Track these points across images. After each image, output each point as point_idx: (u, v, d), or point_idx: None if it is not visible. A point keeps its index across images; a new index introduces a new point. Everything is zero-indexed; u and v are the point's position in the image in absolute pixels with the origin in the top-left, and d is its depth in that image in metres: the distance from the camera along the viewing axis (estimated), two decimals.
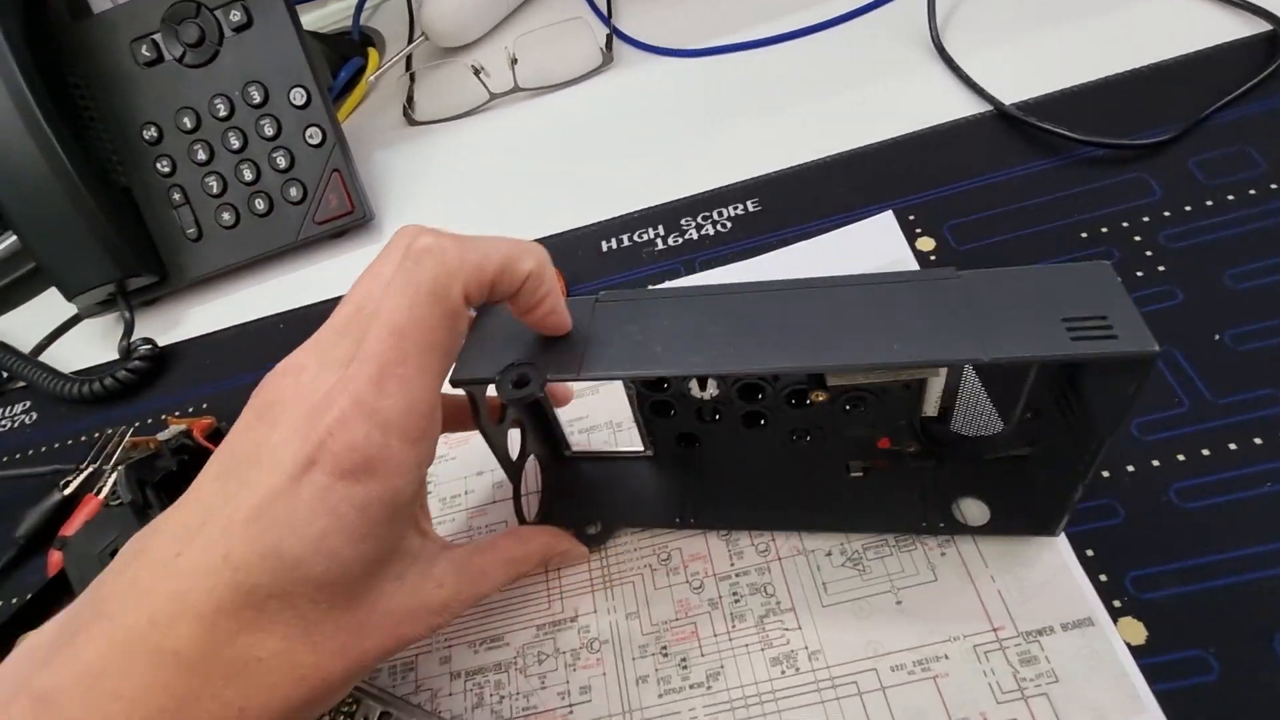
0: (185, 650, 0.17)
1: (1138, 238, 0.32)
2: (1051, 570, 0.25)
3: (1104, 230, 0.32)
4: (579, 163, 0.43)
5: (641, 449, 0.30)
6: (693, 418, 0.28)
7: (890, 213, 0.35)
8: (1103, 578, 0.24)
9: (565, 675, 0.26)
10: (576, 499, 0.30)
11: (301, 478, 0.18)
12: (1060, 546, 0.25)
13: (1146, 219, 0.32)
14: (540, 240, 0.40)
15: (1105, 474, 0.26)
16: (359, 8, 0.57)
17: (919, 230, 0.34)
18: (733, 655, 0.26)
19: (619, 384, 0.31)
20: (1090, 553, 0.25)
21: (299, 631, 0.18)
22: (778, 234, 0.36)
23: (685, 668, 0.26)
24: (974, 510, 0.26)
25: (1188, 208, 0.32)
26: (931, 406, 0.25)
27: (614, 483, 0.30)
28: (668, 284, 0.37)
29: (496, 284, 0.21)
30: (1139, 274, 0.31)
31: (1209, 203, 0.32)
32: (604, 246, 0.39)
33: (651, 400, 0.27)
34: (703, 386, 0.26)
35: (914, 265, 0.33)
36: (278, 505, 0.18)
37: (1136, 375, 0.19)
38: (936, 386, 0.25)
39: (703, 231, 0.38)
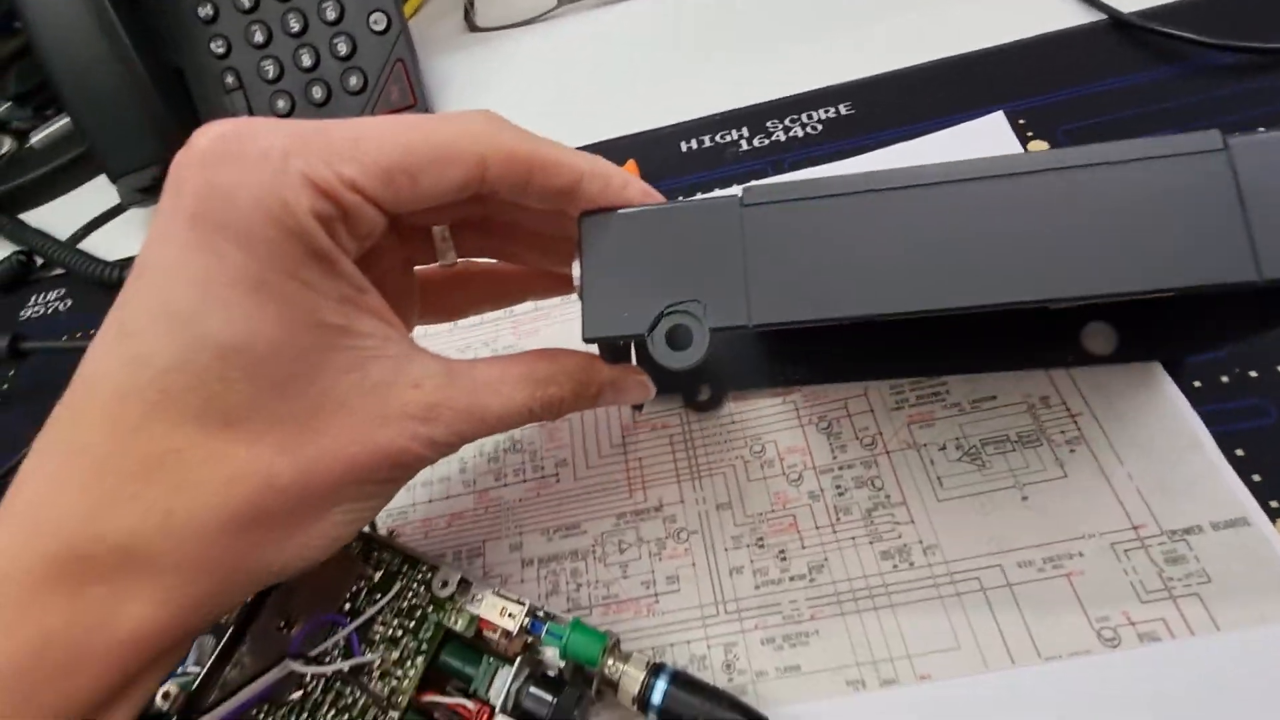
0: (93, 445, 0.15)
1: None
2: (1198, 468, 0.22)
3: None
4: (653, 71, 0.41)
5: None
6: None
7: (1001, 113, 0.33)
8: (1255, 478, 0.22)
9: (650, 565, 0.24)
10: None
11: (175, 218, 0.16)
12: (1205, 443, 0.23)
13: None
14: (612, 141, 0.38)
15: (1253, 373, 0.24)
16: None
17: (1030, 134, 0.32)
18: (838, 548, 0.23)
19: None
20: (1240, 452, 0.23)
21: (217, 418, 0.16)
22: (874, 136, 0.34)
23: (784, 559, 0.24)
24: (1099, 340, 0.24)
25: None
26: None
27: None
28: (813, 171, 0.33)
29: (461, 184, 0.17)
30: None
31: None
32: (684, 147, 0.37)
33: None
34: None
35: None
36: (156, 251, 0.16)
37: None
38: None
39: (791, 134, 0.35)
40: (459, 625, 0.21)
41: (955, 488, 0.24)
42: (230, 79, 0.40)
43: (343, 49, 0.40)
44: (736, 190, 0.18)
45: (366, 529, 0.25)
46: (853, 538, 0.24)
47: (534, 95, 0.43)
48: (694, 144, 0.37)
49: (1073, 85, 0.33)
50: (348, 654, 0.21)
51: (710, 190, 0.34)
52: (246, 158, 0.16)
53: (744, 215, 0.17)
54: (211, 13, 0.40)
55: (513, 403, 0.19)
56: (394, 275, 0.23)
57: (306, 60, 0.40)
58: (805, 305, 0.17)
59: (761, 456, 0.26)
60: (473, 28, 0.47)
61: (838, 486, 0.25)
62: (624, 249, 0.18)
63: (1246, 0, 0.34)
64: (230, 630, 0.21)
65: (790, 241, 0.17)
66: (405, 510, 0.28)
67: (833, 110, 0.36)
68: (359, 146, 0.17)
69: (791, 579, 0.23)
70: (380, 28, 0.39)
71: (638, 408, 0.26)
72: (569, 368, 0.20)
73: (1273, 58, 0.31)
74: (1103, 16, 0.35)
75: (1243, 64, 0.32)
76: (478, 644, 0.21)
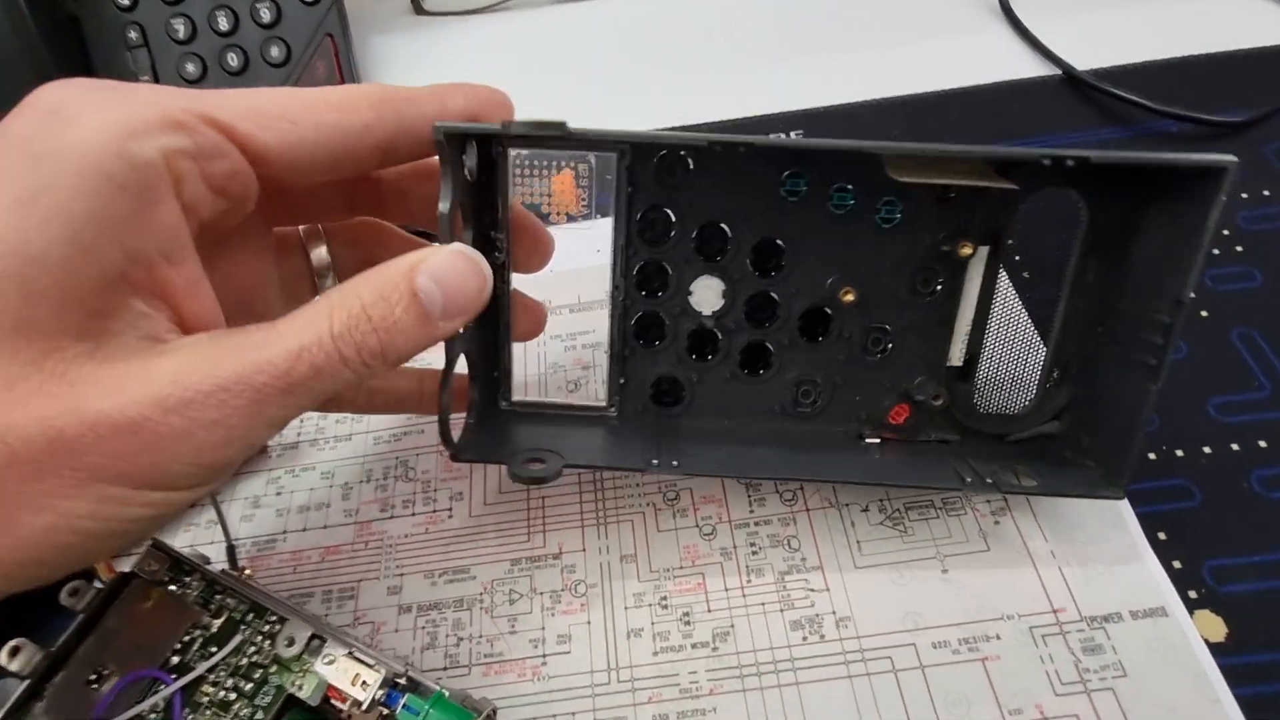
0: None
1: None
2: (1120, 550, 0.22)
3: None
4: (599, 75, 0.39)
5: (604, 402, 0.23)
6: (683, 351, 0.23)
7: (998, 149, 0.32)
8: (1177, 564, 0.21)
9: (541, 620, 0.22)
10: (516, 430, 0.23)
11: None
12: (1129, 525, 0.22)
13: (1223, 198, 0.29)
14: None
15: (1179, 452, 0.23)
16: None
17: None
18: (746, 614, 0.22)
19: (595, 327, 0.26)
20: (1163, 535, 0.22)
21: None
22: None
23: (688, 623, 0.22)
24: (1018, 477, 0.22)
25: (1266, 191, 0.29)
26: (959, 345, 0.22)
27: (567, 426, 0.24)
28: None
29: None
30: (1215, 251, 0.28)
31: None
32: None
33: (641, 315, 0.23)
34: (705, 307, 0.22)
35: None
36: None
37: (1205, 199, 0.18)
38: (967, 312, 0.22)
39: None
40: (304, 691, 0.18)
41: (874, 554, 0.22)
42: (133, 34, 0.36)
43: (266, 15, 0.36)
44: None
45: (222, 564, 0.22)
46: (763, 603, 0.22)
47: (477, 79, 0.40)
48: None
49: (1020, 137, 0.33)
50: None
51: None
52: (103, 89, 0.15)
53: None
54: None
55: (302, 339, 0.15)
56: (252, 271, 0.20)
57: (224, 23, 0.36)
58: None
59: (675, 504, 0.24)
60: (419, 10, 0.44)
61: (752, 544, 0.23)
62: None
63: (1200, 70, 0.34)
64: (26, 683, 0.18)
65: None
66: (274, 538, 0.25)
67: (782, 136, 0.34)
68: (228, 95, 0.16)
69: (694, 646, 0.21)
70: None
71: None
72: (372, 287, 0.16)
73: (1216, 129, 0.31)
74: (1056, 71, 0.35)
75: (1188, 133, 0.32)
76: (325, 713, 0.18)
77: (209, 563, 0.21)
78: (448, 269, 0.17)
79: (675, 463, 0.20)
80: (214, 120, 0.15)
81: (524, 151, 0.22)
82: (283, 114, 0.16)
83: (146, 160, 0.15)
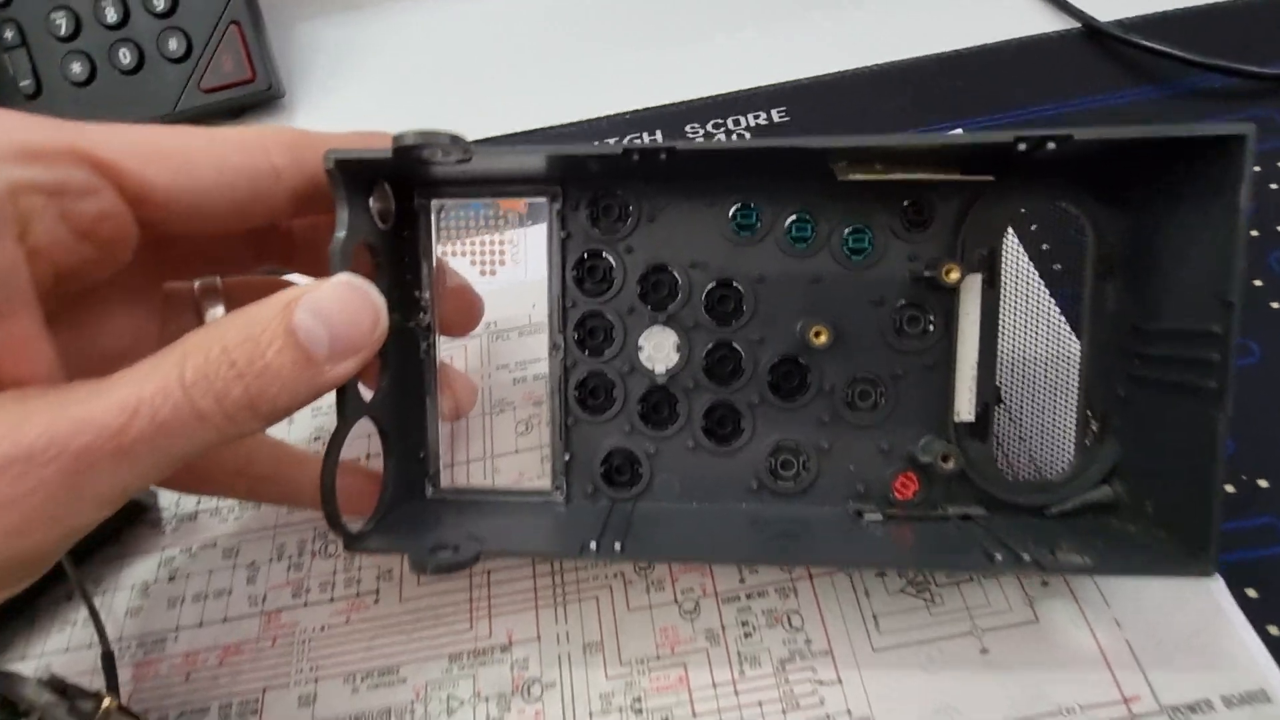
0: None
1: (1273, 185, 0.25)
2: (1203, 616, 0.17)
3: None
4: (553, 59, 0.34)
5: (547, 485, 0.19)
6: (636, 417, 0.19)
7: (961, 131, 0.27)
8: (1273, 629, 0.17)
9: None
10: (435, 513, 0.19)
11: None
12: (1211, 583, 0.18)
13: (1250, 170, 0.25)
14: (500, 138, 0.31)
15: (1262, 483, 0.19)
16: None
17: None
18: (739, 717, 0.17)
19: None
20: (1252, 593, 0.18)
21: None
22: None
23: None
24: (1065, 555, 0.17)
25: None
26: (966, 393, 0.18)
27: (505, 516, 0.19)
28: None
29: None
30: (1278, 228, 0.23)
31: None
32: None
33: (586, 377, 0.19)
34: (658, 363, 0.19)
35: None
36: None
37: (1227, 177, 0.14)
38: (969, 352, 0.18)
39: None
40: None
41: (896, 631, 0.18)
42: (9, 33, 0.31)
43: (160, 3, 0.31)
44: None
45: (92, 676, 0.18)
46: (760, 702, 0.17)
47: (413, 80, 0.35)
48: None
49: (1039, 103, 0.28)
50: None
51: None
52: None
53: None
54: None
55: (142, 389, 0.13)
56: (127, 331, 0.17)
57: (112, 14, 0.31)
58: None
59: (648, 574, 0.20)
60: None
61: (744, 624, 0.18)
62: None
63: (1239, 13, 0.29)
64: None
65: None
66: (165, 637, 0.20)
67: (763, 116, 0.30)
68: (116, 128, 0.14)
69: None
70: None
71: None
72: (236, 324, 0.14)
73: (1270, 84, 0.27)
74: (1075, 24, 0.30)
75: (1233, 89, 0.27)
76: None
77: (64, 692, 0.17)
78: (333, 301, 0.14)
79: (618, 545, 0.16)
80: (85, 153, 0.14)
81: (448, 202, 0.19)
82: (179, 151, 0.15)
83: None
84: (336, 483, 0.16)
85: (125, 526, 0.22)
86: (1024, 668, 0.17)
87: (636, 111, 0.31)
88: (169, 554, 0.22)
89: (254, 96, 0.32)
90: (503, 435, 0.22)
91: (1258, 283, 0.23)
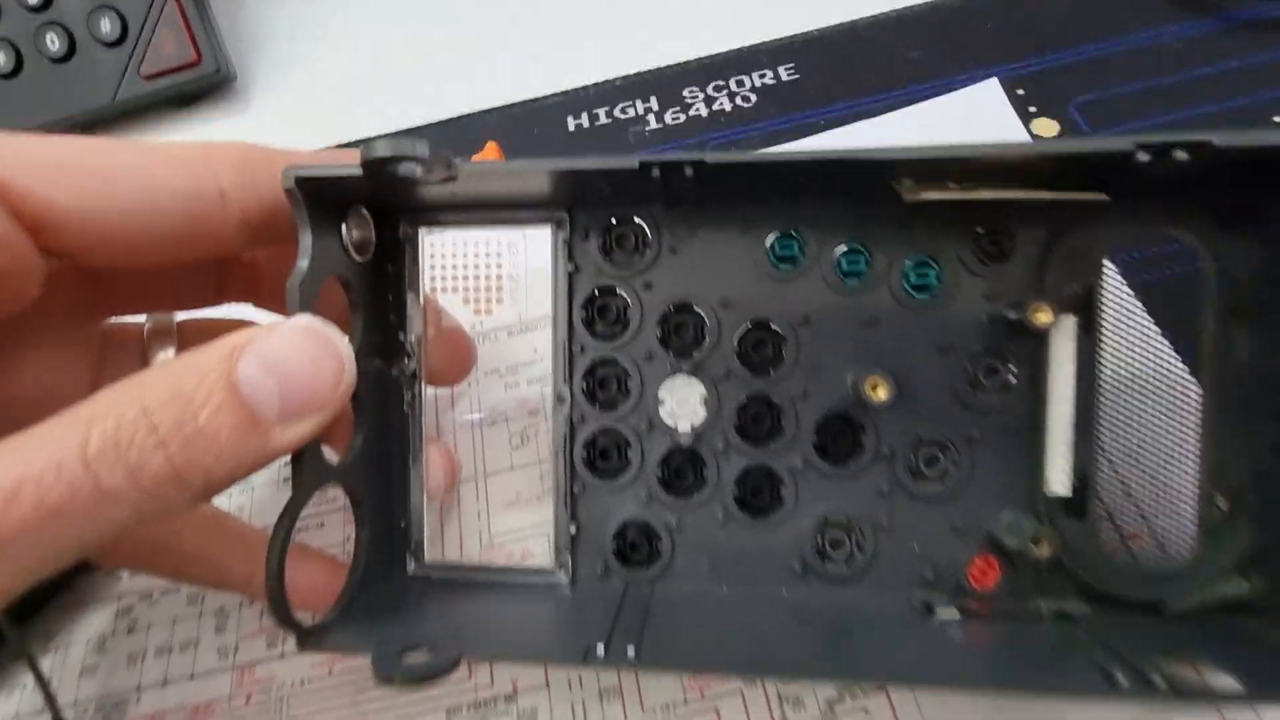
0: None
1: None
2: None
3: None
4: (535, 20, 0.31)
5: (549, 564, 0.16)
6: (655, 483, 0.16)
7: (996, 80, 0.24)
8: None
9: None
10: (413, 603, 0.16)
11: None
12: None
13: None
14: (476, 116, 0.28)
15: None
16: None
17: (1033, 109, 0.24)
18: None
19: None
20: None
21: None
22: (822, 112, 0.25)
23: None
24: (1204, 674, 0.13)
25: None
26: (1059, 462, 0.15)
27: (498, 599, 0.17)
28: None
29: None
30: None
31: None
32: (571, 123, 0.27)
33: (596, 435, 0.16)
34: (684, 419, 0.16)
35: None
36: None
37: None
38: (1062, 411, 0.15)
39: (716, 105, 0.26)
40: None
41: None
42: None
43: None
44: None
45: None
46: None
47: (383, 50, 0.32)
48: (585, 120, 0.27)
49: (1082, 43, 0.25)
50: None
51: None
52: None
53: None
54: None
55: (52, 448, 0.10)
56: (45, 378, 0.15)
57: None
58: None
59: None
60: None
61: None
62: None
63: None
64: None
65: None
66: (125, 699, 0.18)
67: (769, 75, 0.27)
68: (13, 141, 0.12)
69: None
70: None
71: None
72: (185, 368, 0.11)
73: None
74: None
75: None
76: None
77: None
78: (288, 350, 0.12)
79: (631, 650, 0.13)
80: None
81: (439, 230, 0.16)
82: (92, 168, 0.13)
83: None
84: (287, 571, 0.13)
85: (78, 572, 0.20)
86: None
87: (627, 77, 0.28)
88: (127, 602, 0.19)
89: (202, 81, 0.29)
90: (496, 451, 0.20)
91: None
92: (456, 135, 0.27)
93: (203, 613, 0.19)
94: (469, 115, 0.28)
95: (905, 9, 0.27)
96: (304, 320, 0.12)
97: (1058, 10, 0.26)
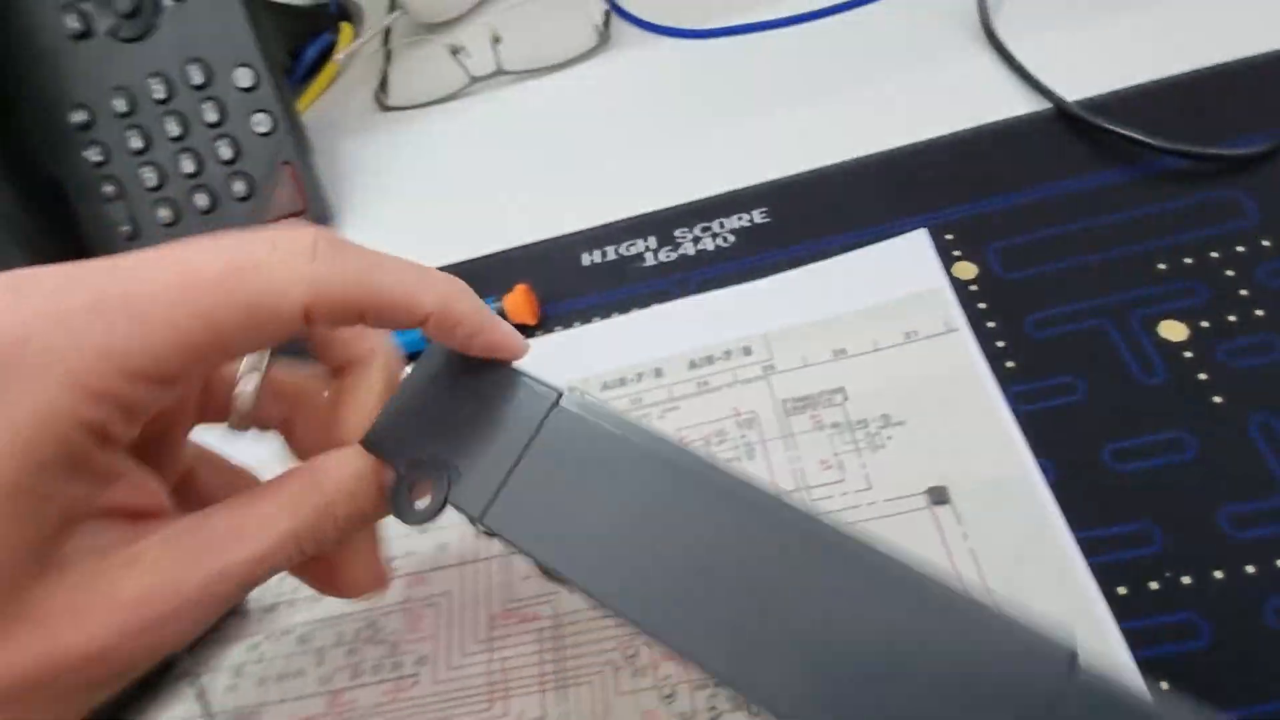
0: None
1: (1230, 272, 0.26)
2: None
3: (1188, 261, 0.26)
4: (565, 158, 0.38)
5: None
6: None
7: (924, 231, 0.29)
8: None
9: None
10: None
11: None
12: (1126, 671, 0.20)
13: (1241, 249, 0.26)
14: (512, 251, 0.35)
15: (1185, 579, 0.21)
16: None
17: (958, 253, 0.29)
18: None
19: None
20: (1165, 685, 0.19)
21: None
22: (788, 251, 0.31)
23: None
24: None
25: None
26: None
27: None
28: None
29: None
30: (1231, 318, 0.25)
31: None
32: (585, 260, 0.34)
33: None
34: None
35: (950, 295, 0.28)
36: None
37: None
38: None
39: (700, 245, 0.32)
40: None
41: None
42: (109, 188, 0.37)
43: (226, 153, 0.37)
44: (563, 387, 0.17)
45: None
46: None
47: (442, 183, 0.40)
48: (597, 256, 0.33)
49: (1009, 190, 0.30)
50: None
51: (609, 316, 0.31)
52: (20, 366, 0.14)
53: (549, 417, 0.16)
54: (86, 118, 0.37)
55: (265, 544, 0.15)
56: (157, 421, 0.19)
57: (189, 166, 0.37)
58: (536, 539, 0.15)
59: (634, 662, 0.23)
60: (384, 107, 0.44)
61: (712, 709, 0.22)
62: (438, 385, 0.18)
63: (1197, 94, 0.30)
64: None
65: (570, 468, 0.15)
66: (256, 711, 0.25)
67: (746, 218, 0.33)
68: (148, 328, 0.14)
69: None
70: (264, 129, 0.36)
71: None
72: (345, 476, 0.16)
73: (1224, 164, 0.28)
74: (1047, 105, 0.32)
75: (1196, 171, 0.28)
76: None
77: None
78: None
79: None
80: (142, 374, 0.14)
81: None
82: (213, 345, 0.15)
83: (71, 442, 0.14)
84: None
85: (225, 617, 0.27)
86: None
87: (631, 219, 0.34)
88: (255, 640, 0.27)
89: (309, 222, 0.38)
90: None
91: (1202, 375, 0.24)
92: (502, 266, 0.34)
93: (307, 650, 0.26)
94: (516, 248, 0.35)
95: (861, 157, 0.33)
96: None
97: (996, 160, 0.31)
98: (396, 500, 0.16)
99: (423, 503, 0.16)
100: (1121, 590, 0.21)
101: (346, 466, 0.16)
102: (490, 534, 0.15)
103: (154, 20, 0.36)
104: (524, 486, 0.15)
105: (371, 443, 0.17)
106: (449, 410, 0.17)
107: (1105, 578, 0.21)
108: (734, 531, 0.13)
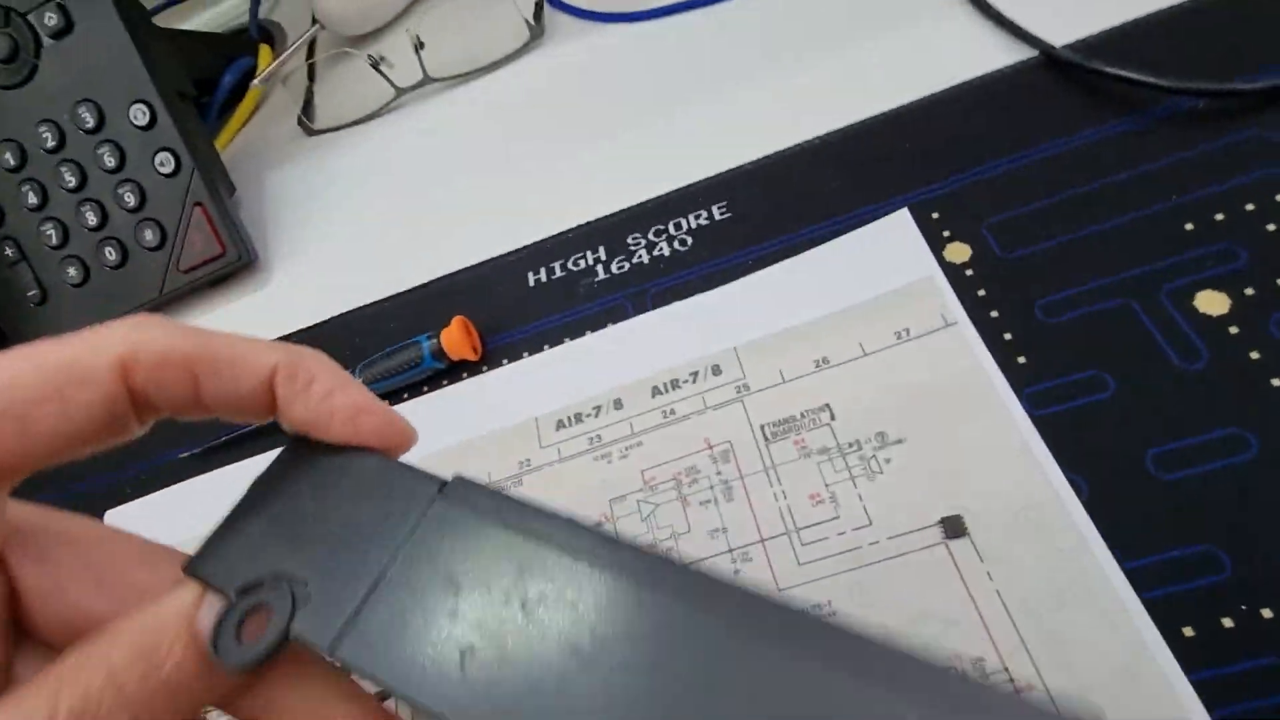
0: None
1: (1271, 226, 0.22)
2: None
3: (1219, 218, 0.22)
4: (502, 168, 0.34)
5: None
6: None
7: (906, 211, 0.25)
8: None
9: None
10: None
11: None
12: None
13: None
14: (453, 276, 0.31)
15: (1266, 612, 0.17)
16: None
17: (947, 233, 0.25)
18: None
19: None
20: None
21: None
22: (754, 251, 0.27)
23: None
24: None
25: None
26: None
27: None
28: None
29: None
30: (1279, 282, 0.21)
31: None
32: (531, 279, 0.30)
33: None
34: None
35: (943, 283, 0.24)
36: None
37: None
38: None
39: (656, 251, 0.29)
40: None
41: None
42: (9, 250, 0.34)
43: (130, 200, 0.33)
44: (447, 476, 0.13)
45: None
46: None
47: (375, 209, 0.36)
48: (543, 274, 0.30)
49: (1000, 155, 0.26)
50: None
51: (559, 342, 0.28)
52: None
53: (427, 516, 0.13)
54: None
55: None
56: None
57: (92, 218, 0.34)
58: (403, 672, 0.11)
59: None
60: (309, 131, 0.41)
61: None
62: (294, 486, 0.14)
63: (1208, 18, 0.26)
64: None
65: (448, 578, 0.12)
66: None
67: (704, 215, 0.29)
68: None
69: None
70: (169, 170, 0.33)
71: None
72: (122, 643, 0.12)
73: (1246, 100, 0.24)
74: (1032, 53, 0.28)
75: (1213, 110, 0.24)
76: None
77: None
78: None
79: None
80: None
81: None
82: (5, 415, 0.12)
83: None
84: None
85: None
86: None
87: (579, 228, 0.30)
88: None
89: (229, 267, 0.34)
90: None
91: (1254, 355, 0.20)
92: (443, 293, 0.31)
93: None
94: (455, 271, 0.31)
95: (827, 134, 0.29)
96: None
97: (978, 122, 0.27)
98: (220, 638, 0.12)
99: (254, 639, 0.12)
100: (1188, 631, 0.17)
101: (139, 618, 0.12)
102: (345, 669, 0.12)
103: (34, 62, 0.33)
104: (390, 605, 0.12)
105: (196, 568, 0.13)
106: (303, 516, 0.13)
107: (1165, 617, 0.17)
108: (655, 650, 0.10)
